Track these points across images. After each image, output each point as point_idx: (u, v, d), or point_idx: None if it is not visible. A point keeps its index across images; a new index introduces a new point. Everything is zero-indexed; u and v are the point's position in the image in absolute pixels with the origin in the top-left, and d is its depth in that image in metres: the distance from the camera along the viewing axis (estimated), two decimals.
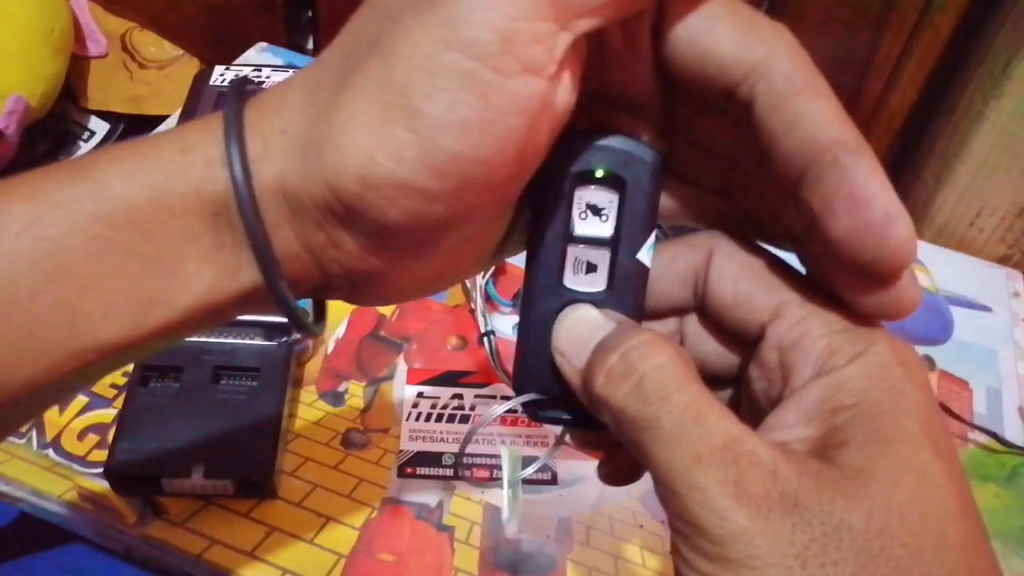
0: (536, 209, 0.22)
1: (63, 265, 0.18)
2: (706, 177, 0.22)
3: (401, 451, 0.47)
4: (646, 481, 0.20)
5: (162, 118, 0.67)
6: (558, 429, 0.24)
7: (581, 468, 0.46)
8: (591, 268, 0.22)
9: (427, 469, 0.46)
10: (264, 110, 0.19)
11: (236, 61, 0.70)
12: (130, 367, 0.47)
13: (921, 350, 0.57)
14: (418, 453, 0.47)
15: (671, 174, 0.22)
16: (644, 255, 0.21)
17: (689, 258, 0.21)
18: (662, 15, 0.18)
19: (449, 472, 0.46)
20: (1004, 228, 0.66)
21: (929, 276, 0.63)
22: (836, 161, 0.17)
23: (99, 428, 0.46)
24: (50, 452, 0.45)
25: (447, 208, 0.18)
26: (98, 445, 0.45)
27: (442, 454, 0.47)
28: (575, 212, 0.21)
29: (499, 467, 0.46)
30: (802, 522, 0.16)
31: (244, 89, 0.19)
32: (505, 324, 0.53)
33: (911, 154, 0.71)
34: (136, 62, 0.72)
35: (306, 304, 0.45)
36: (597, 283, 0.22)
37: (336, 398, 0.49)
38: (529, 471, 0.29)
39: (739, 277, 0.20)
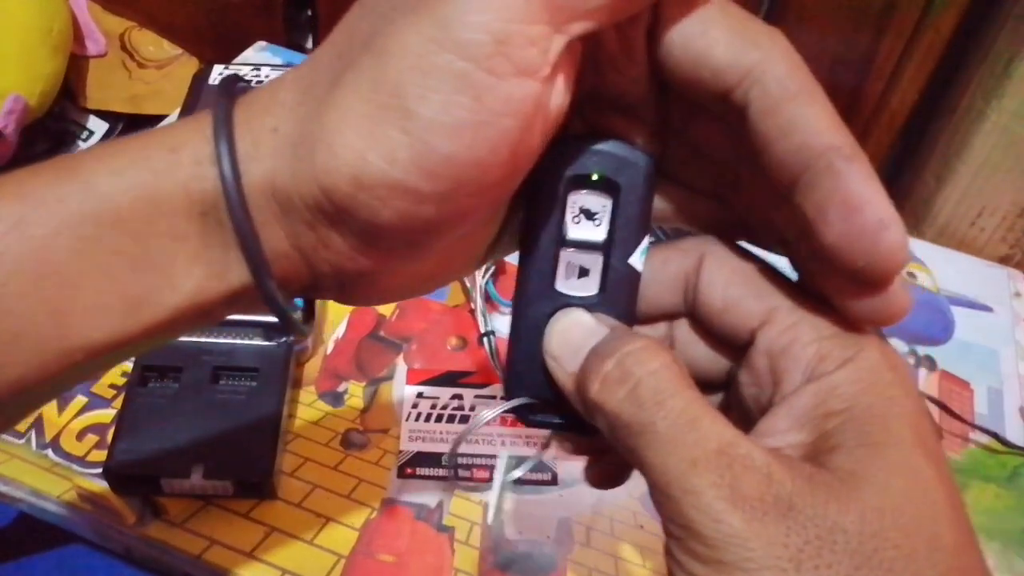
0: (529, 212, 0.21)
1: (50, 265, 0.18)
2: (700, 180, 0.22)
3: (401, 451, 0.47)
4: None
5: (161, 117, 0.67)
6: (547, 432, 0.24)
7: (581, 469, 0.46)
8: (583, 272, 0.22)
9: (427, 469, 0.46)
10: (255, 108, 0.19)
11: (235, 60, 0.70)
12: (129, 367, 0.47)
13: (922, 350, 0.57)
14: (418, 453, 0.47)
15: (665, 177, 0.22)
16: (636, 260, 0.21)
17: (680, 263, 0.21)
18: (657, 18, 0.18)
19: (449, 472, 0.46)
20: (1005, 228, 0.66)
21: (930, 276, 0.63)
22: (830, 167, 0.17)
23: (98, 428, 0.46)
24: (49, 452, 0.45)
25: (439, 209, 0.18)
26: (97, 445, 0.45)
27: (442, 454, 0.47)
28: (568, 216, 0.21)
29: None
30: (796, 525, 0.16)
31: (234, 87, 0.19)
32: (505, 324, 0.53)
33: (912, 154, 0.71)
34: (135, 61, 0.72)
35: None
36: (589, 287, 0.22)
37: (336, 398, 0.49)
38: (517, 474, 0.29)
39: (730, 282, 0.20)
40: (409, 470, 0.46)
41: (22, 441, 0.45)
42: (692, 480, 0.17)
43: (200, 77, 0.61)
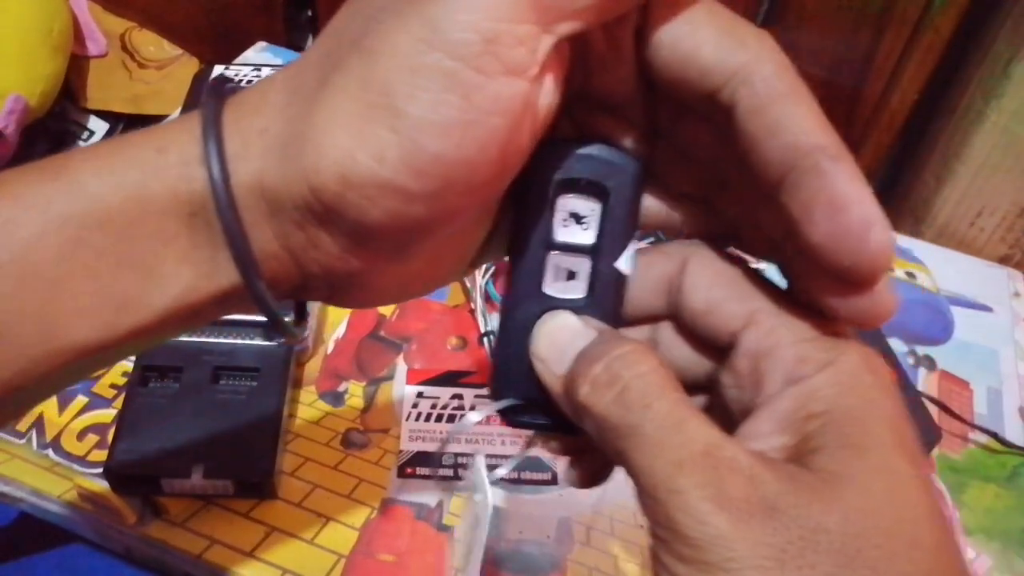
0: (518, 216, 0.22)
1: (36, 266, 0.18)
2: (688, 185, 0.22)
3: (401, 451, 0.47)
4: None
5: (162, 117, 0.67)
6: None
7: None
8: (571, 275, 0.22)
9: (427, 469, 0.46)
10: (243, 109, 0.19)
11: (236, 60, 0.70)
12: (129, 367, 0.47)
13: (922, 350, 0.57)
14: (418, 453, 0.47)
15: (654, 183, 0.22)
16: (624, 263, 0.21)
17: (664, 266, 0.21)
18: (645, 19, 0.18)
19: (449, 472, 0.46)
20: (1005, 228, 0.66)
21: (930, 276, 0.63)
22: (816, 167, 0.17)
23: (99, 428, 0.46)
24: (50, 452, 0.45)
25: (428, 209, 0.18)
26: (98, 445, 0.45)
27: (442, 454, 0.47)
28: (557, 219, 0.21)
29: (500, 467, 0.46)
30: (780, 525, 0.16)
31: (223, 88, 0.19)
32: None
33: (912, 154, 0.71)
34: (135, 61, 0.72)
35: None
36: (577, 290, 0.22)
37: (336, 398, 0.49)
38: (501, 473, 0.29)
39: (712, 285, 0.20)
40: (409, 470, 0.46)
41: (23, 441, 0.45)
42: (678, 481, 0.17)
43: (200, 77, 0.61)
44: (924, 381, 0.55)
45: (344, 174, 0.17)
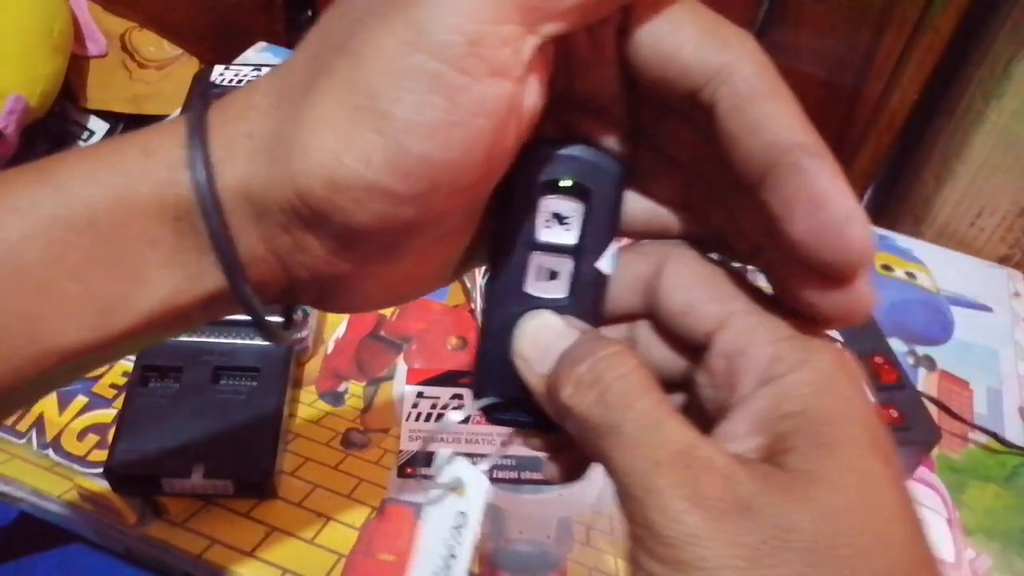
0: (501, 216, 0.22)
1: (22, 270, 0.18)
2: (670, 189, 0.22)
3: (401, 451, 0.47)
4: None
5: (162, 117, 0.67)
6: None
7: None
8: (553, 275, 0.22)
9: (427, 469, 0.46)
10: (229, 113, 0.19)
11: (236, 61, 0.70)
12: (130, 367, 0.47)
13: (922, 350, 0.57)
14: (418, 453, 0.47)
15: (636, 187, 0.22)
16: (605, 264, 0.22)
17: (642, 266, 0.21)
18: (627, 19, 0.19)
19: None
20: (1005, 228, 0.66)
21: (930, 276, 0.63)
22: (796, 164, 0.17)
23: (99, 428, 0.46)
24: (50, 452, 0.45)
25: (415, 211, 0.18)
26: (98, 445, 0.45)
27: (431, 454, 0.47)
28: (540, 220, 0.22)
29: (500, 467, 0.46)
30: (754, 525, 0.16)
31: (208, 92, 0.19)
32: None
33: (911, 154, 0.71)
34: (135, 62, 0.72)
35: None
36: (559, 290, 0.22)
37: (336, 398, 0.49)
38: (483, 468, 0.29)
39: (689, 286, 0.20)
40: (409, 470, 0.46)
41: (23, 441, 0.45)
42: (654, 481, 0.17)
43: (200, 77, 0.61)
44: (924, 381, 0.55)
45: (331, 177, 0.17)
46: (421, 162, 0.17)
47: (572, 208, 0.21)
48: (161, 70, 0.73)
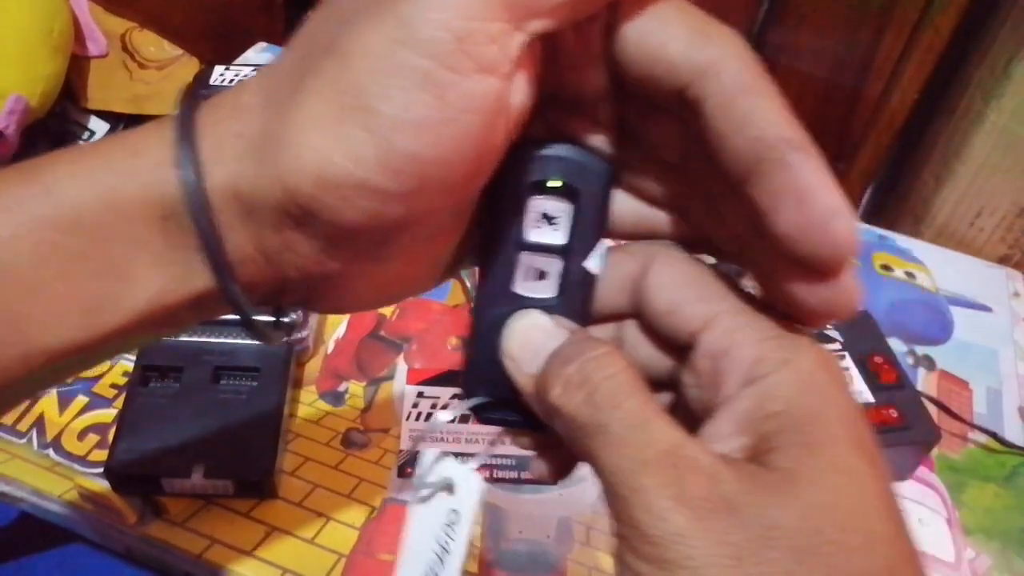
0: (490, 217, 0.22)
1: (9, 270, 0.18)
2: (658, 189, 0.22)
3: (401, 451, 0.47)
4: None
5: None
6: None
7: (581, 468, 0.46)
8: (542, 275, 0.22)
9: (413, 469, 0.46)
10: (219, 113, 0.19)
11: (236, 61, 0.70)
12: (130, 367, 0.47)
13: (921, 350, 0.57)
14: (418, 453, 0.47)
15: (624, 187, 0.22)
16: (594, 263, 0.22)
17: (629, 266, 0.22)
18: (615, 17, 0.19)
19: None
20: (1004, 228, 0.66)
21: (929, 276, 0.63)
22: (782, 159, 0.17)
23: (99, 428, 0.46)
24: (50, 452, 0.45)
25: (404, 208, 0.18)
26: (98, 445, 0.46)
27: (442, 454, 0.47)
28: (529, 220, 0.22)
29: (499, 467, 0.46)
30: (739, 523, 0.16)
31: (198, 92, 0.19)
32: None
33: (911, 154, 0.71)
34: (136, 62, 0.72)
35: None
36: (547, 290, 0.22)
37: (336, 398, 0.50)
38: (470, 466, 0.29)
39: (674, 286, 0.21)
40: (409, 469, 0.46)
41: (23, 441, 0.45)
42: (640, 480, 0.17)
43: (200, 77, 0.61)
44: (924, 381, 0.55)
45: (320, 175, 0.17)
46: (410, 159, 0.17)
47: (560, 208, 0.22)
48: (161, 70, 0.73)
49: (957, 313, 0.60)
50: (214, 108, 0.19)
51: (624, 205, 0.22)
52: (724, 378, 0.19)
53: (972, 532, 0.47)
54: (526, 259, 0.22)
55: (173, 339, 0.46)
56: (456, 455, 0.25)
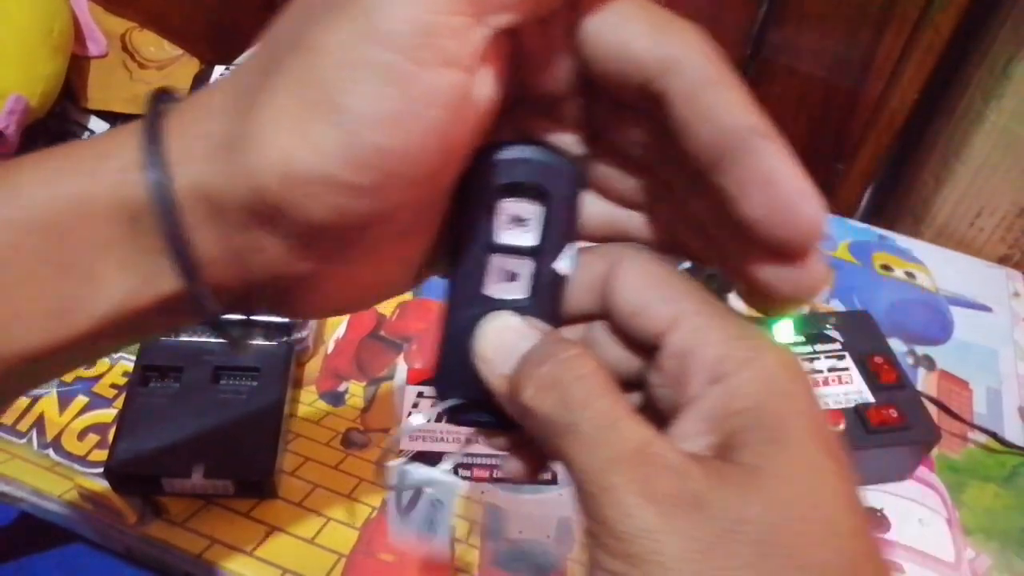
0: (461, 219, 0.22)
1: None
2: (627, 190, 0.22)
3: (401, 451, 0.47)
4: None
5: None
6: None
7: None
8: (513, 276, 0.22)
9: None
10: (186, 115, 0.19)
11: (236, 61, 0.70)
12: (130, 367, 0.47)
13: (921, 350, 0.57)
14: (418, 453, 0.47)
15: (594, 188, 0.22)
16: (564, 265, 0.22)
17: (597, 268, 0.22)
18: (577, 15, 0.19)
19: (449, 472, 0.46)
20: (1004, 228, 0.66)
21: (929, 276, 0.63)
22: (749, 145, 0.18)
23: (99, 428, 0.46)
24: (50, 452, 0.45)
25: (372, 204, 0.18)
26: (98, 445, 0.46)
27: (443, 454, 0.47)
28: (499, 222, 0.22)
29: (500, 467, 0.46)
30: (705, 518, 0.17)
31: (166, 95, 0.19)
32: None
33: (911, 154, 0.72)
34: (136, 62, 0.72)
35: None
36: (518, 291, 0.22)
37: (336, 398, 0.50)
38: (444, 467, 0.29)
39: (640, 288, 0.21)
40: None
41: (23, 441, 0.45)
42: (610, 478, 0.17)
43: (201, 78, 0.61)
44: (924, 381, 0.55)
45: (287, 172, 0.17)
46: (376, 153, 0.17)
47: (531, 210, 0.22)
48: (161, 70, 0.73)
49: (957, 313, 0.60)
50: (182, 111, 0.19)
51: (594, 207, 0.22)
52: (690, 377, 0.19)
53: (972, 532, 0.47)
54: (497, 261, 0.22)
55: (173, 339, 0.46)
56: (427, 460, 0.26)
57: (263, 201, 0.17)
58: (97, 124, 0.70)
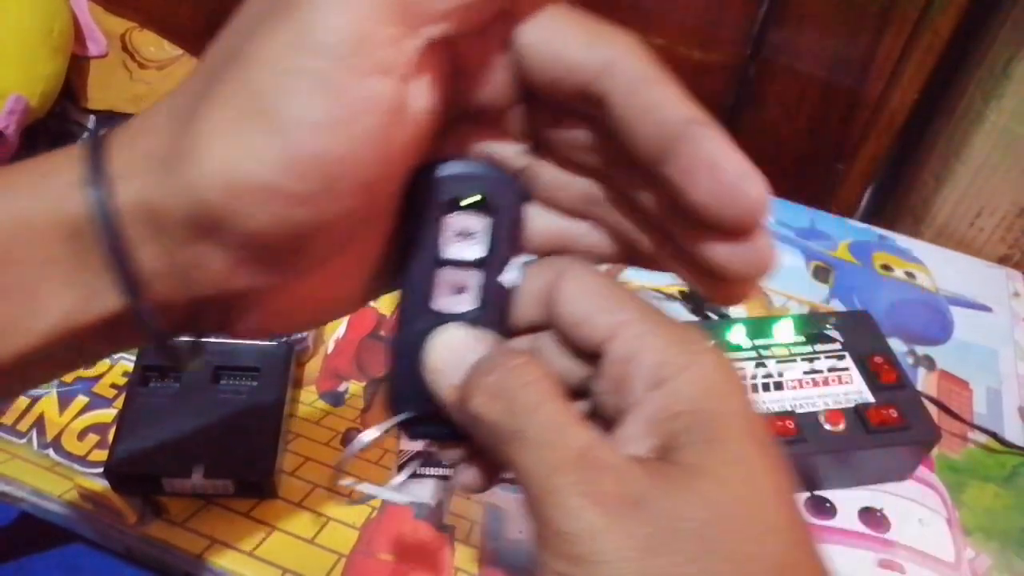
0: (408, 235, 0.22)
1: None
2: (573, 198, 0.23)
3: (401, 451, 0.47)
4: None
5: None
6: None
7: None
8: (461, 289, 0.23)
9: (428, 469, 0.46)
10: (129, 132, 0.19)
11: None
12: (130, 367, 0.47)
13: (921, 350, 0.57)
14: (418, 453, 0.47)
15: (540, 201, 0.23)
16: (511, 277, 0.23)
17: (542, 280, 0.22)
18: (512, 28, 0.20)
19: (450, 472, 0.46)
20: (1004, 228, 0.66)
21: (929, 276, 0.63)
22: (691, 135, 0.18)
23: (99, 428, 0.46)
24: (50, 452, 0.45)
25: (313, 212, 0.18)
26: (98, 445, 0.46)
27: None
28: (445, 237, 0.22)
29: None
30: (647, 517, 0.17)
31: (109, 120, 0.20)
32: None
33: (911, 154, 0.72)
34: (136, 62, 0.72)
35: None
36: (467, 304, 0.23)
37: (336, 398, 0.50)
38: (399, 480, 0.30)
39: (582, 298, 0.21)
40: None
41: (23, 441, 0.45)
42: (554, 481, 0.18)
43: None
44: (924, 381, 0.55)
45: (227, 182, 0.17)
46: (313, 160, 0.17)
47: (476, 223, 0.22)
48: (162, 70, 0.73)
49: (957, 313, 0.60)
50: (125, 128, 0.19)
51: (539, 220, 0.23)
52: (632, 383, 0.20)
53: (972, 532, 0.47)
54: (444, 275, 0.23)
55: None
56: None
57: (205, 213, 0.18)
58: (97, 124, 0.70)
